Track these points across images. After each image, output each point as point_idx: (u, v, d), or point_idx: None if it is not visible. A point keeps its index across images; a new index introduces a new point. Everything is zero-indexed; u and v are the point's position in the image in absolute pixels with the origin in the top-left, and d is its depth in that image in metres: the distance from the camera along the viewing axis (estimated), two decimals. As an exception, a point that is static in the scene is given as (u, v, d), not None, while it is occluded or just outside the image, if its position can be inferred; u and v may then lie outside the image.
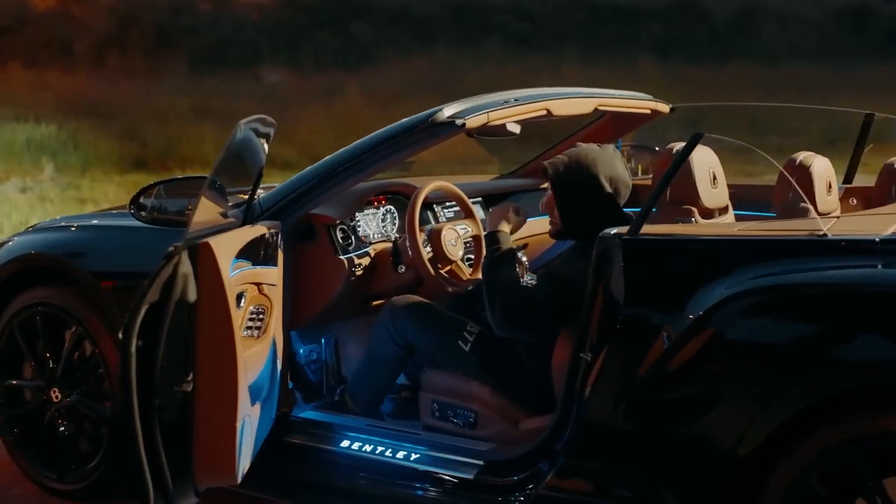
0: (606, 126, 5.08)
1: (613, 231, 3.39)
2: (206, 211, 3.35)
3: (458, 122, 3.82)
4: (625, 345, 3.32)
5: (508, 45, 19.94)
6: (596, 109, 4.45)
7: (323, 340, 4.55)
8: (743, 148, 3.51)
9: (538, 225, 5.16)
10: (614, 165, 3.86)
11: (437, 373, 4.12)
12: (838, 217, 3.93)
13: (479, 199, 5.13)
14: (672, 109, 4.84)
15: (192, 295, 3.12)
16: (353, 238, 4.33)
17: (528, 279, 4.46)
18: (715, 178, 3.96)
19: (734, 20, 21.55)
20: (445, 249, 4.35)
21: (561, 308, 3.71)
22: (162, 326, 3.06)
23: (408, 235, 4.26)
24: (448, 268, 4.39)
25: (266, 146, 3.71)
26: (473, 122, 3.87)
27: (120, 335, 3.00)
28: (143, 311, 3.02)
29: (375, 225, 4.57)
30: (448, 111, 3.87)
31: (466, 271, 4.47)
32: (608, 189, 3.82)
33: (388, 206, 4.65)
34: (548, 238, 4.61)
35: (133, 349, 3.01)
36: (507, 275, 3.83)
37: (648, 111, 4.78)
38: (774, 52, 19.66)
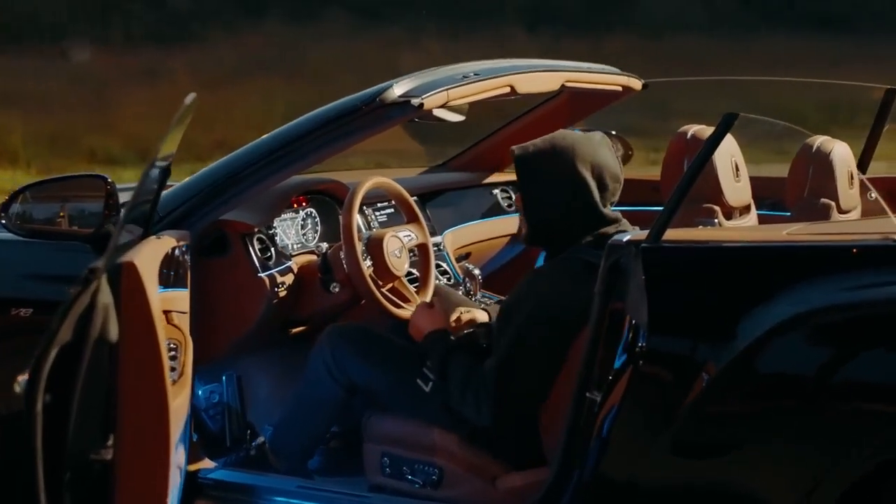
0: (564, 106, 4.72)
1: (627, 237, 3.07)
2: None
3: (415, 101, 3.53)
4: (648, 381, 3.00)
5: (354, 16, 19.54)
6: (563, 86, 4.18)
7: (224, 378, 4.13)
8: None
9: (482, 228, 4.86)
10: (599, 153, 3.50)
11: (387, 419, 3.71)
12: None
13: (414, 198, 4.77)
14: (645, 86, 4.57)
15: (113, 332, 2.70)
16: (272, 250, 3.94)
17: (480, 297, 4.15)
18: (738, 169, 3.70)
19: (607, -12, 21.62)
20: (389, 262, 3.96)
21: (555, 352, 3.39)
22: (77, 375, 2.64)
23: (344, 245, 3.87)
24: (390, 285, 4.02)
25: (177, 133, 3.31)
26: (432, 101, 3.59)
27: (18, 387, 2.55)
28: (52, 356, 2.58)
29: (294, 233, 4.17)
30: (399, 89, 3.57)
31: (412, 289, 4.11)
32: (591, 182, 3.46)
33: (309, 209, 4.24)
34: (497, 243, 4.32)
35: (39, 407, 2.56)
36: (466, 365, 3.50)
37: (619, 88, 4.47)
38: (657, 23, 19.72)
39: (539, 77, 4.07)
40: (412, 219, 4.22)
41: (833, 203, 3.79)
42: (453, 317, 3.75)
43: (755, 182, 4.55)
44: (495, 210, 5.00)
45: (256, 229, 3.87)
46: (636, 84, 4.52)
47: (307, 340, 4.14)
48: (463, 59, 4.20)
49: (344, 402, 3.78)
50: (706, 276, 3.04)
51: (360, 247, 3.87)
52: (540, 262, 5.05)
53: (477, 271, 4.22)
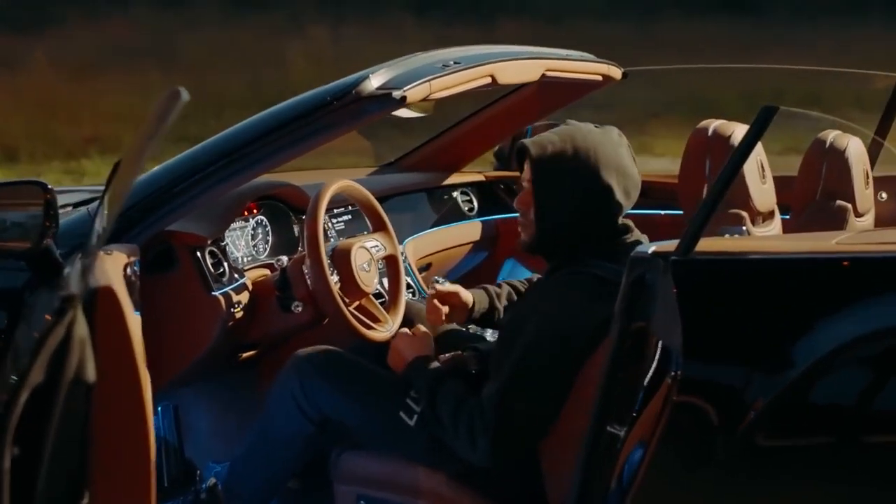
0: (534, 98, 4.50)
1: (652, 249, 2.86)
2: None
3: (396, 94, 3.32)
4: (683, 414, 2.74)
5: (226, 2, 19.20)
6: (543, 75, 3.98)
7: (160, 408, 3.85)
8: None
9: (444, 235, 4.64)
10: (621, 157, 3.30)
11: (363, 456, 3.48)
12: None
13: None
14: (625, 75, 4.39)
15: (90, 370, 2.41)
16: (225, 265, 3.66)
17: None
18: (763, 169, 3.52)
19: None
20: (358, 277, 3.71)
21: (563, 378, 3.18)
22: (49, 423, 2.35)
23: (308, 259, 3.60)
24: (357, 303, 3.78)
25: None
26: (414, 94, 3.37)
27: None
28: (22, 402, 2.30)
29: (244, 244, 3.90)
30: (375, 80, 3.35)
31: (380, 307, 3.87)
32: (616, 190, 3.27)
33: (259, 217, 3.97)
34: (458, 251, 4.10)
35: (7, 463, 2.28)
36: (458, 393, 3.28)
37: (599, 77, 4.28)
38: (553, 7, 19.68)
39: (520, 66, 3.86)
40: (379, 227, 3.96)
41: (850, 205, 3.62)
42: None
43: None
44: (456, 215, 4.78)
45: (209, 241, 3.60)
46: (616, 73, 4.33)
47: (255, 366, 3.90)
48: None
49: (313, 439, 3.51)
50: (750, 293, 2.81)
51: (326, 260, 3.62)
52: (517, 273, 4.87)
53: (447, 285, 4.00)
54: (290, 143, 3.37)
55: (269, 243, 3.95)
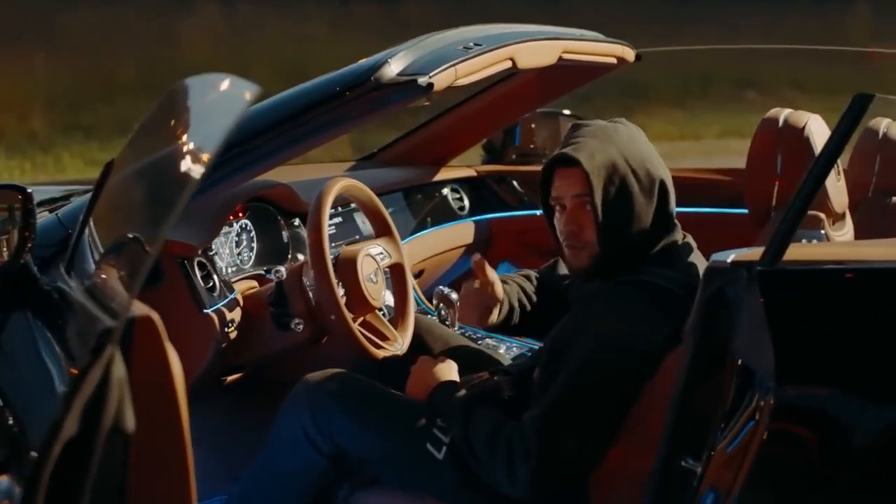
0: (535, 83, 4.28)
1: (731, 258, 2.64)
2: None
3: (422, 80, 3.11)
4: (775, 447, 2.54)
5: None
6: (560, 58, 3.76)
7: None
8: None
9: (436, 238, 4.39)
10: (652, 148, 3.16)
11: (383, 494, 3.24)
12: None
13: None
14: (638, 57, 4.17)
15: (129, 420, 2.13)
16: (215, 278, 3.39)
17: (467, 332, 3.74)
18: (838, 166, 3.33)
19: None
20: (365, 290, 3.45)
21: (619, 403, 2.98)
22: (85, 483, 2.08)
23: (314, 270, 3.32)
24: (361, 318, 3.51)
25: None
26: (441, 80, 3.17)
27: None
28: (54, 458, 2.03)
29: (228, 253, 3.62)
30: (395, 65, 3.13)
31: (388, 324, 3.61)
32: (668, 184, 3.11)
33: (244, 222, 3.69)
34: (450, 256, 3.88)
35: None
36: (494, 419, 3.07)
37: (614, 60, 4.06)
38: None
39: (538, 48, 3.62)
40: (383, 232, 3.68)
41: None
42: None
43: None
44: (447, 215, 4.51)
45: (200, 251, 3.33)
46: (630, 55, 4.11)
47: (242, 391, 3.63)
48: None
49: (325, 474, 3.25)
50: (855, 308, 2.61)
51: (332, 271, 3.36)
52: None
53: (454, 296, 3.75)
54: (299, 136, 3.17)
55: (255, 251, 3.68)
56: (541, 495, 2.99)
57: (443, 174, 4.58)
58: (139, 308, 2.20)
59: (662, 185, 3.08)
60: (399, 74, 3.13)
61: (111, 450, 2.11)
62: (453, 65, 3.21)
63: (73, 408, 2.03)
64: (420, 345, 3.58)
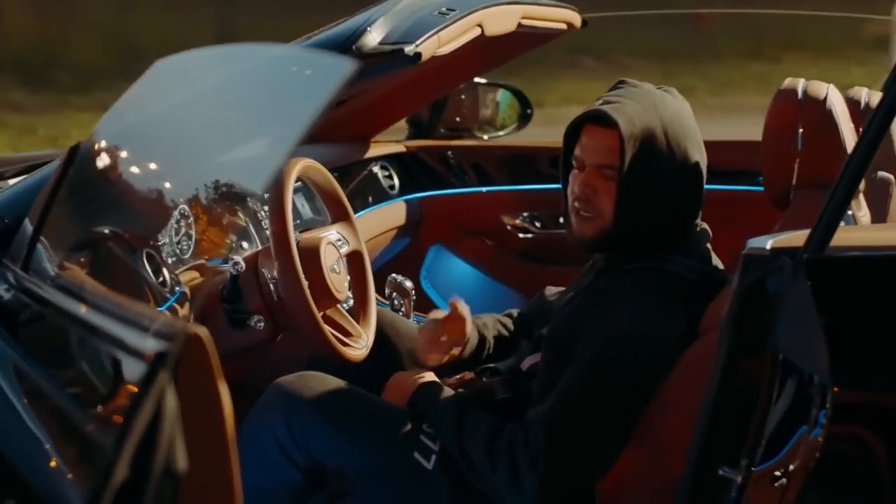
0: (470, 51, 3.93)
1: (770, 244, 2.34)
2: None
3: (409, 50, 2.86)
4: (835, 451, 2.25)
5: None
6: (519, 24, 3.45)
7: None
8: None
9: (372, 220, 4.02)
10: (695, 124, 2.84)
11: (368, 506, 2.92)
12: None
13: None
14: (584, 23, 3.85)
15: (181, 460, 1.72)
16: (164, 271, 2.96)
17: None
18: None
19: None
20: (329, 282, 3.06)
21: (635, 402, 2.67)
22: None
23: (277, 260, 2.95)
24: (322, 313, 3.12)
25: None
26: (426, 49, 2.93)
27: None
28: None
29: (168, 241, 3.19)
30: (376, 33, 2.87)
31: (350, 318, 3.21)
32: (702, 167, 2.81)
33: (182, 207, 3.27)
34: (384, 238, 3.53)
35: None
36: (489, 422, 2.76)
37: (564, 26, 3.77)
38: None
39: (502, 13, 3.38)
40: (341, 216, 3.30)
41: (893, 177, 3.16)
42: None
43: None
44: (378, 195, 4.14)
45: (151, 242, 2.91)
46: (577, 20, 3.84)
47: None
48: None
49: (302, 492, 2.88)
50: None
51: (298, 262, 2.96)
52: (442, 261, 4.30)
53: (409, 284, 3.38)
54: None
55: (192, 239, 3.24)
56: (549, 497, 2.68)
57: (371, 150, 4.18)
58: (185, 324, 1.79)
59: (697, 168, 2.79)
60: (382, 43, 2.86)
61: (162, 496, 1.72)
62: (436, 32, 2.98)
63: (124, 451, 1.62)
64: (383, 341, 3.21)
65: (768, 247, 2.34)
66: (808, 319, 2.25)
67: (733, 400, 2.37)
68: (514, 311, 3.32)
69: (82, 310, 2.09)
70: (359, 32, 2.84)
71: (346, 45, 2.80)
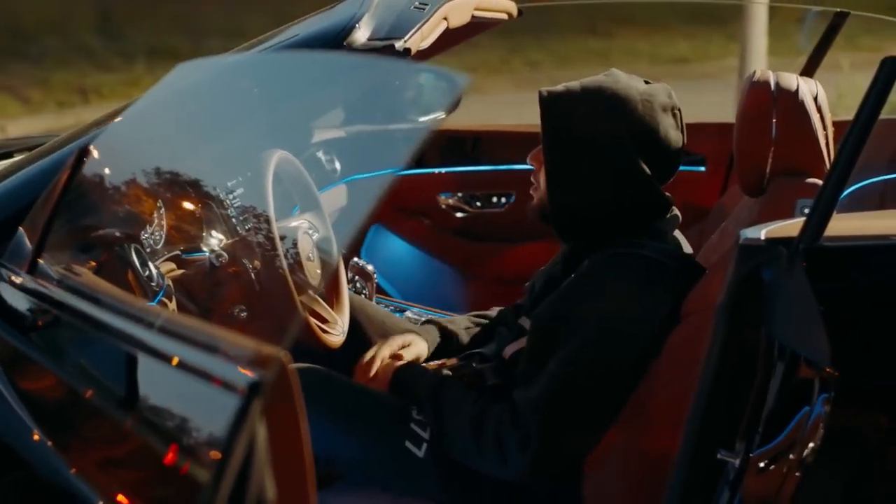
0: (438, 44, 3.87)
1: (764, 234, 2.29)
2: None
3: (399, 45, 2.78)
4: (833, 441, 2.22)
5: None
6: (472, 16, 3.35)
7: None
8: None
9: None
10: (659, 118, 2.69)
11: (360, 497, 2.79)
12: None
13: None
14: (520, 12, 3.76)
15: (269, 492, 1.61)
16: (150, 266, 2.83)
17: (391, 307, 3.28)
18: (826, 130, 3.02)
19: None
20: (306, 269, 2.97)
21: (622, 384, 2.60)
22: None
23: (261, 249, 2.85)
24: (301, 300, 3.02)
25: None
26: (413, 44, 2.86)
27: None
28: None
29: (146, 233, 3.06)
30: (364, 30, 2.77)
31: (325, 305, 3.11)
32: (651, 159, 2.70)
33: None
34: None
35: None
36: (475, 401, 2.69)
37: (505, 16, 3.66)
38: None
39: (461, 5, 3.24)
40: (310, 205, 3.19)
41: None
42: (385, 352, 2.91)
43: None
44: (321, 179, 4.01)
45: (143, 236, 2.78)
46: (513, 9, 3.73)
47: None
48: None
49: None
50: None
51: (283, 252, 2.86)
52: (381, 241, 4.19)
53: (370, 267, 3.28)
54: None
55: (164, 228, 3.11)
56: (538, 475, 2.62)
57: (315, 136, 4.08)
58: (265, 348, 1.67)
59: (637, 159, 2.68)
60: (371, 39, 2.77)
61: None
62: (419, 27, 2.87)
63: (220, 492, 1.50)
64: (355, 327, 3.12)
65: (763, 237, 2.28)
66: (804, 307, 2.19)
67: (729, 385, 2.30)
68: (495, 309, 3.24)
69: (153, 339, 1.93)
70: (348, 28, 2.74)
71: (337, 41, 2.71)
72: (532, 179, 2.79)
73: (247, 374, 1.58)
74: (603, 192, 2.67)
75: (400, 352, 2.94)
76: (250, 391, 1.54)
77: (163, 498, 1.83)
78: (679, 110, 2.69)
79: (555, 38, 14.04)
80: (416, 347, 2.98)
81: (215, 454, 1.55)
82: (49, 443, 2.16)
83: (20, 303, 2.36)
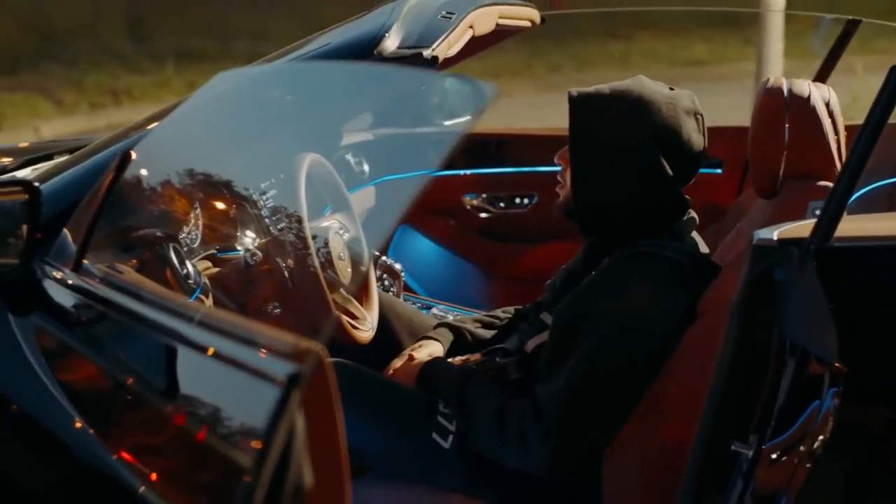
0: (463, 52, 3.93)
1: (776, 235, 2.32)
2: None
3: (427, 54, 2.80)
4: (841, 431, 2.24)
5: None
6: (497, 24, 3.40)
7: None
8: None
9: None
10: (683, 122, 2.75)
11: (388, 488, 2.82)
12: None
13: None
14: (543, 19, 3.82)
15: (307, 485, 1.67)
16: (188, 264, 2.90)
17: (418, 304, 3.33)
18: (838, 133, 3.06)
19: None
20: (338, 268, 3.04)
21: (641, 379, 2.65)
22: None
23: (295, 249, 2.91)
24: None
25: None
26: (441, 52, 2.86)
27: None
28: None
29: (183, 232, 3.12)
30: (394, 38, 2.80)
31: (356, 303, 3.18)
32: (672, 162, 2.76)
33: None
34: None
35: None
36: (498, 395, 2.73)
37: (528, 23, 3.71)
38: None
39: (486, 13, 3.27)
40: (341, 206, 3.26)
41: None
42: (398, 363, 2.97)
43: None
44: (350, 181, 4.07)
45: (181, 236, 2.85)
46: (536, 16, 3.78)
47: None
48: None
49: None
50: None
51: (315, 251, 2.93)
52: (409, 241, 4.23)
53: (398, 266, 3.34)
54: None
55: (200, 228, 3.18)
56: (558, 469, 2.66)
57: (344, 139, 4.14)
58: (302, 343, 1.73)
59: (659, 161, 2.74)
60: (400, 48, 2.79)
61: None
62: (446, 36, 2.88)
63: (259, 481, 1.57)
64: (384, 324, 3.17)
65: (775, 237, 2.32)
66: (815, 305, 2.23)
67: (742, 380, 2.33)
68: (509, 308, 3.29)
69: (194, 333, 2.00)
70: (378, 37, 2.77)
71: (368, 49, 2.74)
72: (558, 178, 2.84)
73: (287, 366, 1.63)
74: (626, 191, 2.72)
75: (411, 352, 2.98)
76: (289, 383, 1.59)
77: (202, 484, 1.89)
78: (701, 115, 2.74)
79: (576, 42, 14.00)
80: (430, 348, 3.03)
81: (256, 443, 1.60)
82: (91, 431, 2.20)
83: (65, 299, 2.40)
